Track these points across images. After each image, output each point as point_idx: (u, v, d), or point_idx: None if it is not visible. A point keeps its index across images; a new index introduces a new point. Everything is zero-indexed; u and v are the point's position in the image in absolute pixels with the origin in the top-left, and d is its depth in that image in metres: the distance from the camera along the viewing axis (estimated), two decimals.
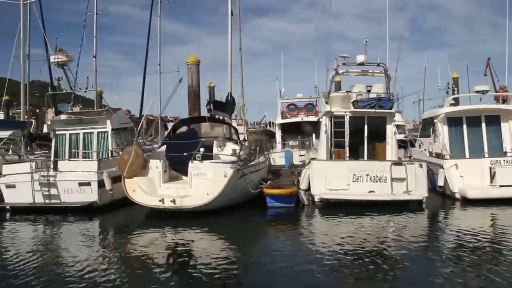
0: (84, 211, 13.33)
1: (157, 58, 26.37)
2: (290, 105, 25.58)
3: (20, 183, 13.81)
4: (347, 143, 14.75)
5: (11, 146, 20.67)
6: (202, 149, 13.00)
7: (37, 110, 61.38)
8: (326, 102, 15.55)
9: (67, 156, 15.35)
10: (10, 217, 13.62)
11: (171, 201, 11.99)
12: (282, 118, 25.69)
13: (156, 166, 12.91)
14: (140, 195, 12.38)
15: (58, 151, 15.54)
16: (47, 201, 13.66)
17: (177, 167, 13.37)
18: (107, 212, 13.77)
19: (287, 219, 12.74)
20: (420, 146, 17.94)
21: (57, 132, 15.61)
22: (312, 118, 24.36)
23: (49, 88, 18.30)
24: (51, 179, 13.52)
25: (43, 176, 13.67)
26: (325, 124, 15.20)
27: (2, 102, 35.07)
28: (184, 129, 14.85)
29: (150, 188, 12.67)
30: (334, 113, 15.07)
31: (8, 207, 14.05)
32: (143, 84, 22.22)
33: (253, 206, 13.39)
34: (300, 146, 23.52)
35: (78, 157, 15.28)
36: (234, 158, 13.33)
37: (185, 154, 12.86)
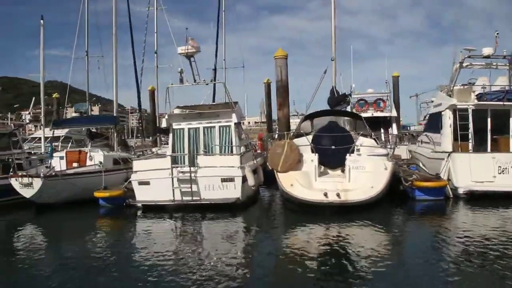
0: (226, 209, 12.81)
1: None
2: (360, 100, 25.31)
3: (156, 179, 13.20)
4: (470, 136, 14.56)
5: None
6: (360, 143, 12.65)
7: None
8: (449, 95, 15.34)
9: (186, 152, 14.76)
10: (142, 215, 13.04)
11: (336, 195, 11.58)
12: None
13: (311, 159, 12.47)
14: (299, 190, 11.90)
15: (175, 146, 14.93)
16: (185, 198, 13.09)
17: (325, 160, 12.93)
18: (246, 208, 13.32)
19: (438, 211, 12.48)
20: None
21: (174, 127, 14.99)
22: (381, 114, 24.22)
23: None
24: (193, 175, 12.95)
25: (182, 172, 13.11)
26: (449, 117, 14.99)
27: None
28: (323, 122, 14.39)
29: (306, 183, 12.21)
30: (458, 106, 14.86)
31: (140, 205, 13.45)
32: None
33: (393, 200, 13.09)
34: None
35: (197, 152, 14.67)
36: (385, 151, 13.01)
37: (334, 147, 12.53)
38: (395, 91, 29.06)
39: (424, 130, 17.73)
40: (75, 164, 15.81)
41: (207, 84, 15.04)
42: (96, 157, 16.09)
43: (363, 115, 25.22)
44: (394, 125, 23.99)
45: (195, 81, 14.97)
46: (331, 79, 18.88)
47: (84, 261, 8.52)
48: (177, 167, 13.28)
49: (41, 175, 13.62)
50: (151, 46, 29.68)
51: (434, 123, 16.27)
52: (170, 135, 15.09)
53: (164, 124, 14.96)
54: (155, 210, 13.17)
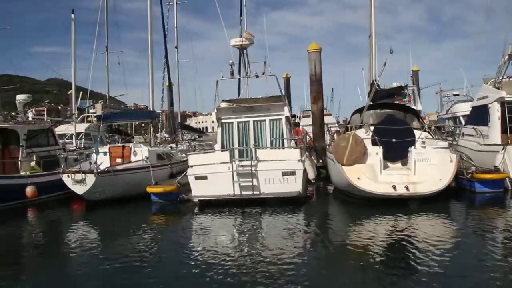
0: (287, 203, 12.62)
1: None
2: None
3: (214, 174, 12.96)
4: None
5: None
6: (421, 135, 12.58)
7: (59, 107, 59.48)
8: (498, 88, 15.35)
9: (235, 145, 14.55)
10: (199, 211, 12.81)
11: (405, 188, 11.51)
12: None
13: (376, 152, 12.35)
14: (367, 183, 11.81)
15: (224, 141, 14.72)
16: (244, 192, 12.88)
17: (387, 153, 12.83)
18: (305, 202, 13.19)
19: (499, 203, 12.43)
20: None
21: (223, 121, 14.76)
22: None
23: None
24: (253, 169, 12.74)
25: (242, 166, 12.90)
26: (497, 109, 15.01)
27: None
28: (381, 115, 14.26)
29: (372, 176, 12.10)
30: (506, 99, 14.89)
31: (196, 200, 13.21)
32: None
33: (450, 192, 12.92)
34: None
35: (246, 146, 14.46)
36: (446, 144, 12.97)
37: (397, 140, 12.44)
38: (415, 84, 29.13)
39: (466, 123, 17.72)
40: (118, 160, 15.48)
41: (257, 77, 14.78)
42: (141, 152, 15.79)
43: None
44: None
45: (246, 73, 14.75)
46: (369, 73, 18.74)
47: (141, 257, 8.30)
48: (234, 161, 13.03)
49: (95, 171, 13.30)
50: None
51: (479, 116, 16.27)
52: (219, 129, 14.87)
53: (213, 118, 14.71)
54: (211, 205, 12.95)
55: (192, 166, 13.31)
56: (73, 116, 23.44)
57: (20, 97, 17.26)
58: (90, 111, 30.09)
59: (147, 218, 12.98)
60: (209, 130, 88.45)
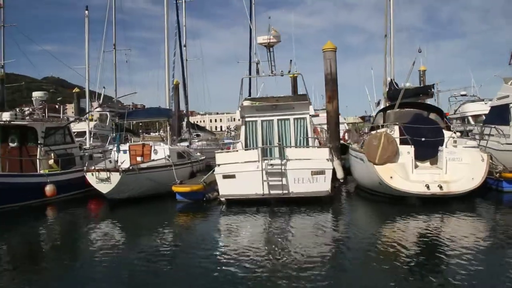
0: (315, 202, 12.56)
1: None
2: None
3: (242, 173, 12.83)
4: None
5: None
6: (452, 134, 12.58)
7: (56, 106, 58.53)
8: None
9: (259, 144, 14.44)
10: (226, 210, 12.67)
11: (438, 187, 11.50)
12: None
13: (407, 151, 12.31)
14: (400, 182, 11.78)
15: (247, 139, 14.60)
16: (272, 191, 12.76)
17: (418, 152, 12.79)
18: (333, 201, 13.13)
19: None
20: None
21: (247, 119, 14.65)
22: None
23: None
24: (283, 168, 12.64)
25: (271, 164, 12.79)
26: None
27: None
28: (406, 114, 14.23)
29: (404, 175, 12.07)
30: None
31: (223, 199, 13.07)
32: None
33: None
34: None
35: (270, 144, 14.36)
36: (474, 143, 12.99)
37: (428, 139, 12.43)
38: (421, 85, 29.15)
39: (485, 122, 17.79)
40: (138, 158, 15.29)
41: (282, 75, 14.69)
42: (161, 150, 15.60)
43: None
44: None
45: (272, 72, 14.63)
46: (384, 72, 18.76)
47: (168, 257, 8.23)
48: (264, 159, 12.90)
49: (120, 169, 13.10)
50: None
51: (499, 115, 16.33)
52: (243, 127, 14.75)
53: (237, 116, 14.59)
54: (238, 204, 12.82)
55: (219, 165, 13.16)
56: (88, 114, 23.11)
57: (36, 94, 16.94)
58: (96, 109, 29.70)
59: (173, 217, 12.83)
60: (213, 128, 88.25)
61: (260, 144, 14.35)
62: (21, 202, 14.14)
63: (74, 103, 32.28)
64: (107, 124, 29.55)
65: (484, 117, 19.88)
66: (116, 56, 26.84)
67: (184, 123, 26.56)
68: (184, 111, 26.66)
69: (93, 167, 13.57)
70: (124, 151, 15.38)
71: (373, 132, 13.46)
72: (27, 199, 14.32)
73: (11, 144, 15.64)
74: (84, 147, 18.86)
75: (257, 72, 14.53)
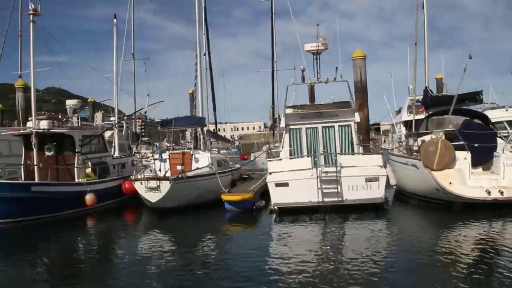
0: (368, 209, 12.44)
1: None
2: (417, 101, 25.33)
3: (296, 180, 12.65)
4: None
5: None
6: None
7: (59, 116, 57.93)
8: None
9: (304, 152, 14.32)
10: (278, 218, 12.46)
11: (499, 193, 11.45)
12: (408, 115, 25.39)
13: (464, 157, 12.26)
14: (460, 188, 11.72)
15: (292, 147, 14.47)
16: (326, 199, 12.60)
17: (473, 158, 12.73)
18: (385, 208, 13.01)
19: None
20: None
21: (291, 127, 14.53)
22: None
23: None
24: (338, 175, 12.50)
25: (325, 172, 12.64)
26: None
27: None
28: (453, 120, 14.19)
29: (461, 180, 12.02)
30: None
31: (275, 208, 12.85)
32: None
33: None
34: None
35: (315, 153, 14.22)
36: None
37: (484, 145, 12.43)
38: (439, 93, 29.34)
39: None
40: (179, 167, 15.00)
41: (326, 82, 14.62)
42: (202, 159, 15.37)
43: (419, 117, 25.43)
44: None
45: (317, 79, 14.56)
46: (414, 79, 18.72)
47: (225, 267, 8.11)
48: (318, 167, 12.75)
49: (170, 177, 12.84)
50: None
51: None
52: (287, 135, 14.63)
53: (282, 124, 14.46)
54: (291, 212, 12.61)
55: (271, 173, 12.98)
56: (117, 124, 22.74)
57: (70, 102, 16.65)
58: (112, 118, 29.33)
59: (224, 226, 12.63)
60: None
61: (304, 152, 14.25)
62: (62, 211, 13.79)
63: (89, 112, 31.88)
64: (123, 133, 29.19)
65: (505, 124, 19.98)
66: (135, 65, 26.55)
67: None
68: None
69: (141, 176, 13.26)
70: (164, 160, 15.10)
71: (425, 138, 13.38)
72: (68, 208, 13.98)
73: (47, 153, 15.27)
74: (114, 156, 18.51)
75: (303, 79, 14.46)
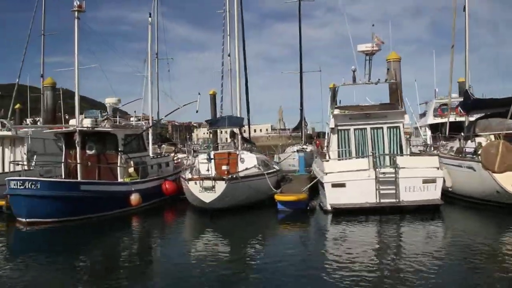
0: (424, 211, 12.32)
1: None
2: (443, 105, 25.33)
3: (353, 181, 12.52)
4: None
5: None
6: None
7: (66, 116, 57.35)
8: None
9: (353, 154, 14.21)
10: (334, 219, 12.30)
11: None
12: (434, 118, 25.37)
13: None
14: None
15: (340, 148, 14.36)
16: (383, 200, 12.48)
17: None
18: (438, 209, 12.89)
19: None
20: None
21: (339, 128, 14.41)
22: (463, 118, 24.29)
23: None
24: (396, 176, 12.39)
25: (383, 173, 12.52)
26: None
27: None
28: (501, 123, 14.08)
29: None
30: None
31: (330, 208, 12.69)
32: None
33: None
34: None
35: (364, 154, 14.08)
36: None
37: None
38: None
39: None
40: (224, 167, 14.79)
41: (376, 83, 14.53)
42: (248, 159, 15.18)
43: (445, 120, 25.36)
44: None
45: (369, 80, 14.46)
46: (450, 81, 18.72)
47: (281, 268, 7.96)
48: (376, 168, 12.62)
49: (225, 178, 12.64)
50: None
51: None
52: (335, 136, 14.52)
53: (332, 125, 14.34)
54: (346, 213, 12.46)
55: (327, 173, 12.82)
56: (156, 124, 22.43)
57: (109, 100, 16.39)
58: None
59: (279, 227, 12.49)
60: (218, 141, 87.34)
61: (353, 153, 14.14)
62: (109, 211, 13.55)
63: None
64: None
65: None
66: (158, 65, 26.28)
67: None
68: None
69: (196, 176, 13.02)
70: (209, 160, 14.88)
71: (482, 140, 13.27)
72: (114, 208, 13.73)
73: (88, 152, 15.02)
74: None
75: (354, 80, 14.36)
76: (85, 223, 12.80)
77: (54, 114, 25.60)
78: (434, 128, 25.46)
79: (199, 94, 18.96)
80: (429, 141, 23.56)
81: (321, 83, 29.70)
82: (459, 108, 23.44)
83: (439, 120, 25.19)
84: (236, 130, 18.20)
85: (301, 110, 28.02)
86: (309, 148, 24.93)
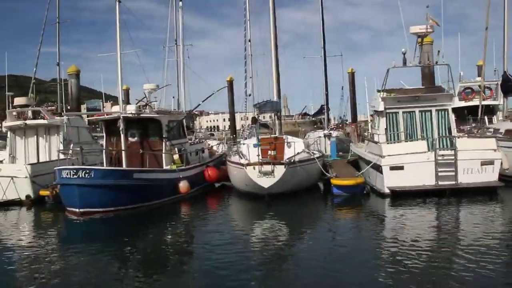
0: (482, 193, 12.32)
1: None
2: (467, 88, 25.34)
3: (412, 164, 12.46)
4: None
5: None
6: None
7: (68, 107, 56.50)
8: None
9: (402, 137, 14.13)
10: (391, 202, 12.27)
11: None
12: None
13: None
14: None
15: (389, 131, 14.26)
16: (441, 182, 12.46)
17: None
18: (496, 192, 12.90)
19: None
20: None
21: (387, 111, 14.29)
22: (489, 102, 24.26)
23: None
24: (456, 158, 12.35)
25: (442, 155, 12.47)
26: None
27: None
28: None
29: None
30: None
31: (388, 191, 12.63)
32: None
33: None
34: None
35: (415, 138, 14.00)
36: None
37: None
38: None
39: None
40: (272, 152, 14.58)
41: (429, 65, 14.40)
42: (296, 144, 15.04)
43: (469, 104, 25.37)
44: (500, 113, 24.19)
45: (420, 62, 14.32)
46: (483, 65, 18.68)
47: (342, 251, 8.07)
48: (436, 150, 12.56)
49: (285, 162, 12.49)
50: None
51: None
52: (383, 119, 14.39)
53: (381, 108, 14.20)
54: (404, 196, 12.42)
55: (384, 156, 12.74)
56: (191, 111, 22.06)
57: (148, 86, 16.04)
58: None
59: (337, 212, 12.39)
60: (221, 128, 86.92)
61: (402, 136, 14.06)
62: (160, 199, 13.31)
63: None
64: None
65: None
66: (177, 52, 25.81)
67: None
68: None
69: (256, 161, 12.79)
70: (255, 145, 14.67)
71: None
72: (165, 196, 13.51)
73: (130, 139, 14.72)
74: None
75: (404, 63, 14.19)
76: (137, 212, 12.53)
77: (78, 101, 25.04)
78: (458, 111, 25.50)
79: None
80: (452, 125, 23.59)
81: (342, 68, 29.46)
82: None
83: (463, 103, 25.22)
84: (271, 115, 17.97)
85: (327, 95, 27.88)
86: (334, 133, 24.84)
